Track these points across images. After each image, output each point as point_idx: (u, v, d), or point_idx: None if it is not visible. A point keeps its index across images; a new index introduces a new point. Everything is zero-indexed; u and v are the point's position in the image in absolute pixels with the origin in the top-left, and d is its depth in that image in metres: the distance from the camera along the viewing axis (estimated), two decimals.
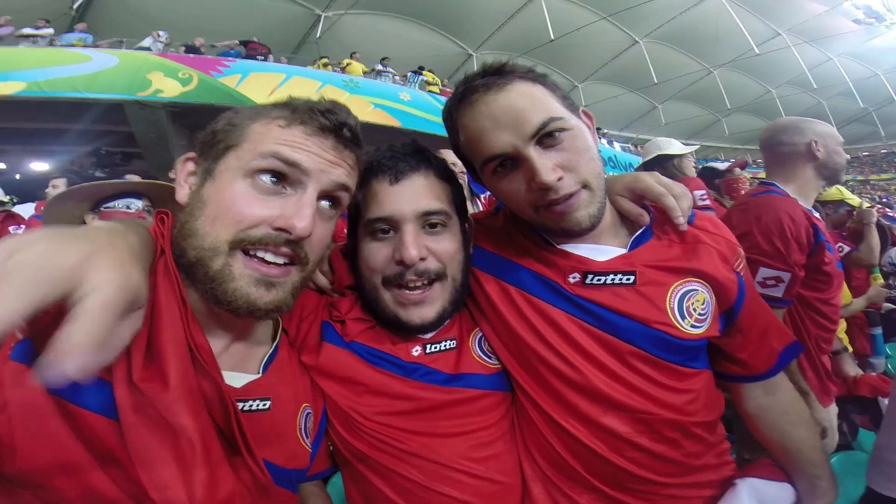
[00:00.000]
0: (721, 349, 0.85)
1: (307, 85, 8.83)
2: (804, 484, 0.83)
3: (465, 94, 0.75)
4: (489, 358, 0.84)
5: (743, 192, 2.71)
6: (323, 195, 0.64)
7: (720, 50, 20.07)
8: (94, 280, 0.40)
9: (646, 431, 0.75)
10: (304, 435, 0.71)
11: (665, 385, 0.76)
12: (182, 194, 0.65)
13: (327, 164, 0.63)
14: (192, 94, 7.75)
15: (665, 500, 0.78)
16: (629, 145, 16.66)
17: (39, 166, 9.59)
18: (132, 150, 9.14)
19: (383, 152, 0.79)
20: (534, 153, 0.70)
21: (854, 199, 3.39)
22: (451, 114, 0.79)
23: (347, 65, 10.34)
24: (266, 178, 0.61)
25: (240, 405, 0.61)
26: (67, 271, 0.39)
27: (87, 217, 1.82)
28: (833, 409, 1.69)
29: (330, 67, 10.21)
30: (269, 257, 0.60)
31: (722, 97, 23.18)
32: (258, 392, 0.65)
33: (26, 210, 3.61)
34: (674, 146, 2.76)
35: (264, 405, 0.65)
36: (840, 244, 2.82)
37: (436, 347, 0.81)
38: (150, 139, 8.22)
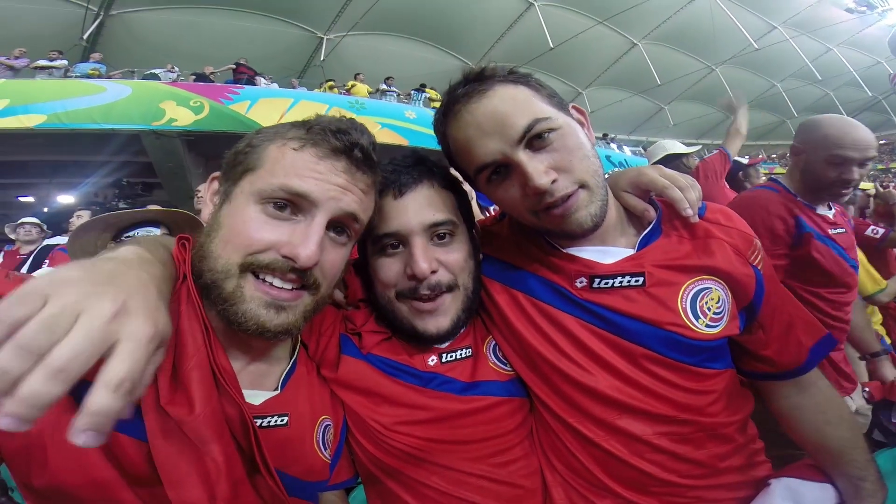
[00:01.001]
0: (745, 347, 0.82)
1: (315, 108, 8.89)
2: (847, 485, 0.77)
3: (449, 105, 0.74)
4: (504, 365, 0.84)
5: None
6: (333, 223, 0.65)
7: (719, 47, 19.92)
8: (127, 330, 0.40)
9: (666, 433, 0.74)
10: (321, 447, 0.73)
11: (682, 387, 0.74)
12: (206, 213, 0.68)
13: (338, 191, 0.64)
14: (205, 122, 7.95)
15: (691, 501, 0.75)
16: (639, 149, 16.57)
17: (65, 199, 9.88)
18: (152, 179, 9.36)
19: (385, 166, 0.79)
20: (524, 157, 0.68)
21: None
22: (439, 127, 0.80)
23: (352, 86, 10.55)
24: (276, 206, 0.62)
25: (258, 422, 0.63)
26: (106, 329, 0.39)
27: (109, 246, 1.88)
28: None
29: (336, 90, 10.41)
30: (276, 283, 0.61)
31: (727, 94, 23.01)
32: (276, 408, 0.67)
33: (55, 243, 3.74)
34: (678, 147, 2.77)
35: (282, 421, 0.67)
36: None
37: (452, 356, 0.82)
38: (168, 168, 8.41)
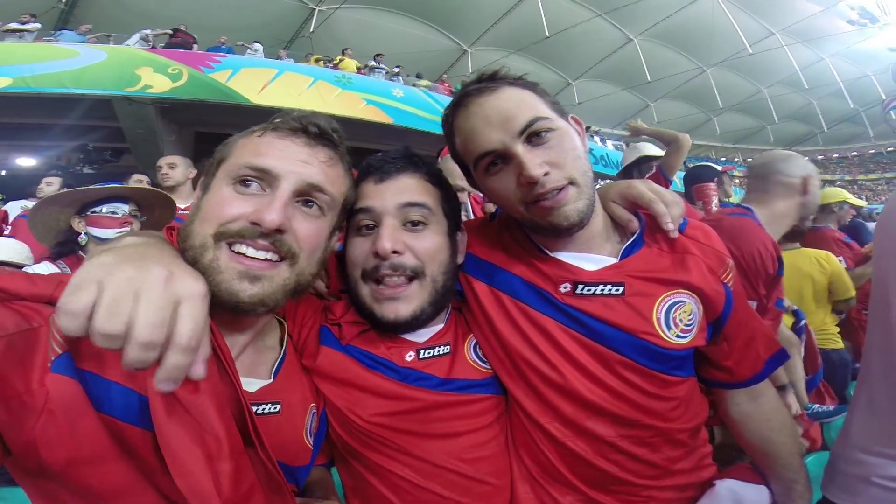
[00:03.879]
0: (707, 356, 0.87)
1: (299, 80, 8.77)
2: (781, 487, 0.86)
3: (461, 98, 0.80)
4: (484, 363, 0.86)
5: (714, 201, 2.70)
6: (298, 194, 0.68)
7: (714, 49, 20.16)
8: (183, 291, 0.46)
9: (628, 436, 0.78)
10: (308, 434, 0.75)
11: (649, 392, 0.78)
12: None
13: (298, 164, 0.68)
14: (182, 89, 7.69)
15: (644, 500, 0.80)
16: (622, 143, 16.74)
17: (26, 162, 9.44)
18: (120, 145, 9.04)
19: (375, 158, 0.82)
20: (521, 149, 0.73)
21: (857, 201, 3.48)
22: (449, 119, 0.83)
23: (340, 61, 10.27)
24: (243, 184, 0.67)
25: (254, 408, 0.66)
26: (165, 296, 0.44)
27: (74, 221, 1.80)
28: None
29: (322, 63, 10.12)
30: (249, 252, 0.63)
31: (714, 96, 23.32)
32: (270, 396, 0.71)
33: (13, 209, 3.54)
34: (653, 150, 2.78)
35: (275, 408, 0.70)
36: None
37: (429, 353, 0.82)
38: (139, 135, 8.16)
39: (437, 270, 0.81)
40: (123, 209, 1.82)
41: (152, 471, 0.54)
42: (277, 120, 0.72)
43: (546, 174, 0.73)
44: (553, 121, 0.76)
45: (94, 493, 0.52)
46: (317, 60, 10.19)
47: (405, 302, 0.78)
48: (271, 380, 0.72)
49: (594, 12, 17.25)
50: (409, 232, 0.79)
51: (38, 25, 7.95)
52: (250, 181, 0.66)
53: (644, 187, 0.85)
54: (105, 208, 1.78)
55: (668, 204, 0.82)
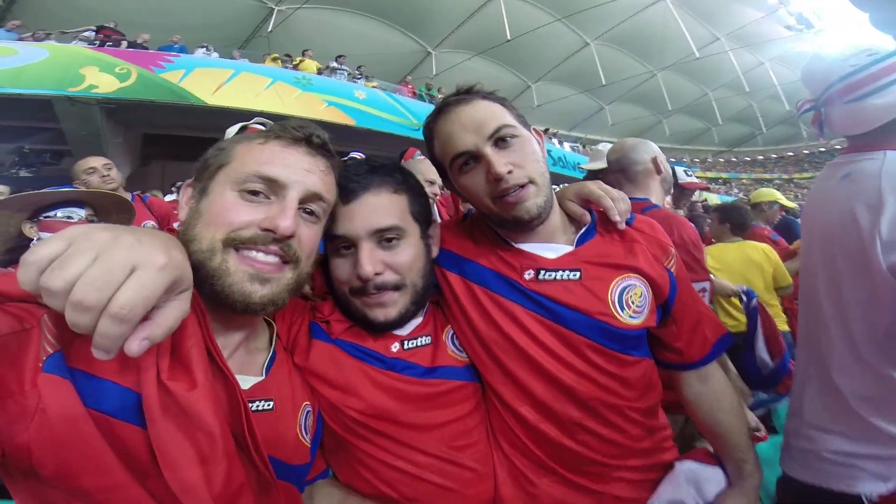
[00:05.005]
0: (660, 339, 0.96)
1: (256, 81, 8.53)
2: (732, 466, 0.92)
3: (442, 108, 0.90)
4: (461, 352, 0.92)
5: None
6: (302, 200, 0.71)
7: (664, 53, 21.25)
8: (139, 258, 0.44)
9: (593, 416, 0.85)
10: (303, 432, 0.77)
11: (609, 372, 0.85)
12: (182, 214, 0.72)
13: (302, 173, 0.71)
14: (130, 90, 7.35)
15: (616, 482, 0.87)
16: (578, 145, 17.28)
17: None
18: (61, 147, 8.45)
19: (340, 172, 0.85)
20: (490, 151, 0.84)
21: (788, 202, 3.75)
22: (429, 125, 0.93)
23: (300, 62, 10.07)
24: (251, 190, 0.68)
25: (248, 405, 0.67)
26: (121, 258, 0.44)
27: (25, 227, 1.72)
28: None
29: (279, 63, 9.87)
30: (260, 257, 0.66)
31: (664, 99, 24.56)
32: (262, 393, 0.72)
33: None
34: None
35: (268, 405, 0.72)
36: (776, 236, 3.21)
37: (412, 343, 0.89)
38: (82, 137, 7.68)
39: (416, 276, 0.87)
40: (79, 213, 1.74)
41: (144, 469, 0.53)
42: (275, 128, 0.75)
43: (510, 172, 0.82)
44: (517, 129, 0.87)
45: (84, 493, 0.51)
46: (273, 59, 9.92)
47: (392, 306, 0.85)
48: (263, 376, 0.74)
49: (554, 16, 17.81)
50: (385, 249, 0.85)
51: None
52: (256, 191, 0.68)
53: (594, 186, 0.96)
54: (59, 213, 1.70)
55: (615, 199, 0.93)
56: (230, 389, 0.63)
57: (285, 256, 0.68)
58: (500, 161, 0.82)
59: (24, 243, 1.75)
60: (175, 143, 9.29)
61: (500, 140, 0.84)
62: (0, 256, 1.76)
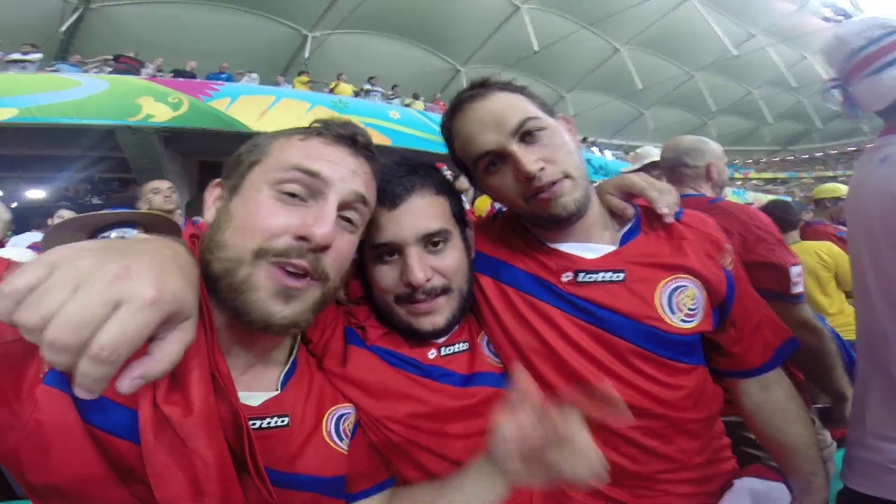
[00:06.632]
0: (716, 344, 0.87)
1: (297, 106, 8.87)
2: (799, 481, 0.85)
3: (456, 104, 0.84)
4: (496, 358, 0.87)
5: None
6: (342, 206, 0.65)
7: (699, 53, 20.51)
8: (125, 293, 0.38)
9: (640, 427, 0.76)
10: (335, 439, 0.72)
11: (658, 380, 0.78)
12: (209, 215, 0.67)
13: (347, 172, 0.66)
14: (183, 118, 7.77)
15: (660, 495, 0.79)
16: (620, 153, 16.84)
17: (36, 194, 9.54)
18: (127, 175, 9.12)
19: (382, 177, 0.81)
20: (516, 148, 0.77)
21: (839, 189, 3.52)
22: (446, 125, 0.88)
23: (336, 86, 10.43)
24: (289, 190, 0.63)
25: (257, 423, 0.63)
26: (104, 293, 0.38)
27: None
28: None
29: (308, 85, 10.19)
30: (289, 269, 0.61)
31: (706, 100, 23.60)
32: (276, 409, 0.66)
33: (24, 240, 3.59)
34: (658, 153, 2.82)
35: (283, 421, 0.66)
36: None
37: (450, 350, 0.84)
38: (144, 164, 8.23)
39: (462, 280, 0.83)
40: (132, 234, 1.85)
41: (139, 487, 0.52)
42: (318, 123, 0.70)
43: (542, 169, 0.76)
44: (543, 120, 0.79)
45: None
46: (305, 82, 10.23)
47: (439, 314, 0.80)
48: (279, 391, 0.69)
49: (579, 24, 17.64)
50: (432, 254, 0.80)
51: (40, 55, 8.01)
52: (294, 193, 0.62)
53: (636, 178, 0.88)
54: (114, 233, 1.82)
55: (661, 191, 0.85)
56: (236, 413, 0.59)
57: (314, 273, 0.62)
58: (529, 158, 0.76)
59: None
60: None
61: (526, 135, 0.78)
62: None
